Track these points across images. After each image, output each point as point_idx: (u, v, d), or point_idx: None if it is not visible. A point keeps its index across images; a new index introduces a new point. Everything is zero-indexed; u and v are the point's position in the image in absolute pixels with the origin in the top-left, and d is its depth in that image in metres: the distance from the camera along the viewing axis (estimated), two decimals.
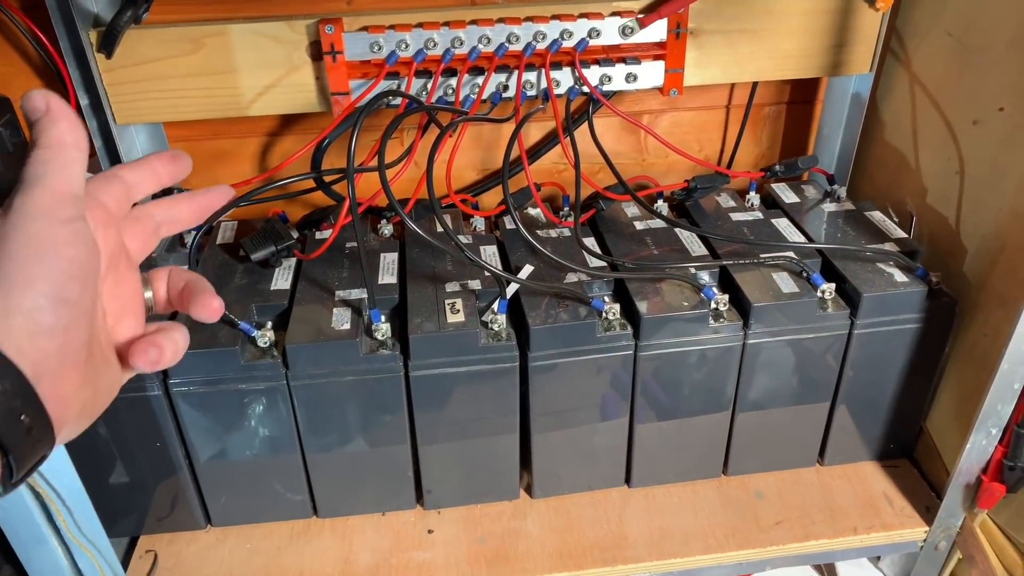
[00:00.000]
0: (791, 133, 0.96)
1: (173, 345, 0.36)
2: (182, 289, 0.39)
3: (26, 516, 0.57)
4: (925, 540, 0.76)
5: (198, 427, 0.68)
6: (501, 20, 0.72)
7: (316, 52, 0.73)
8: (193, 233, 0.74)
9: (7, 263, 0.31)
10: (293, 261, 0.76)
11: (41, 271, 0.31)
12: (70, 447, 0.56)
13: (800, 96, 0.93)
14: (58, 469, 0.56)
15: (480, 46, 0.72)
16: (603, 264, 0.74)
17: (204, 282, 0.38)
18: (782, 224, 0.81)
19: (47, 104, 0.33)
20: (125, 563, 0.73)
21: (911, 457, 0.82)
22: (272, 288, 0.72)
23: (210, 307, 0.37)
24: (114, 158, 0.77)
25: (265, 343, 0.66)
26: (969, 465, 0.70)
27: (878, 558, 0.85)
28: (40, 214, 0.32)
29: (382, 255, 0.77)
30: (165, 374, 0.65)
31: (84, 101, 0.75)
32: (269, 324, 0.67)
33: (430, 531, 0.76)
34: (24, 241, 0.31)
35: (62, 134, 0.33)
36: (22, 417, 0.30)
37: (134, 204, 0.38)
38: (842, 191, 0.86)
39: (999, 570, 0.75)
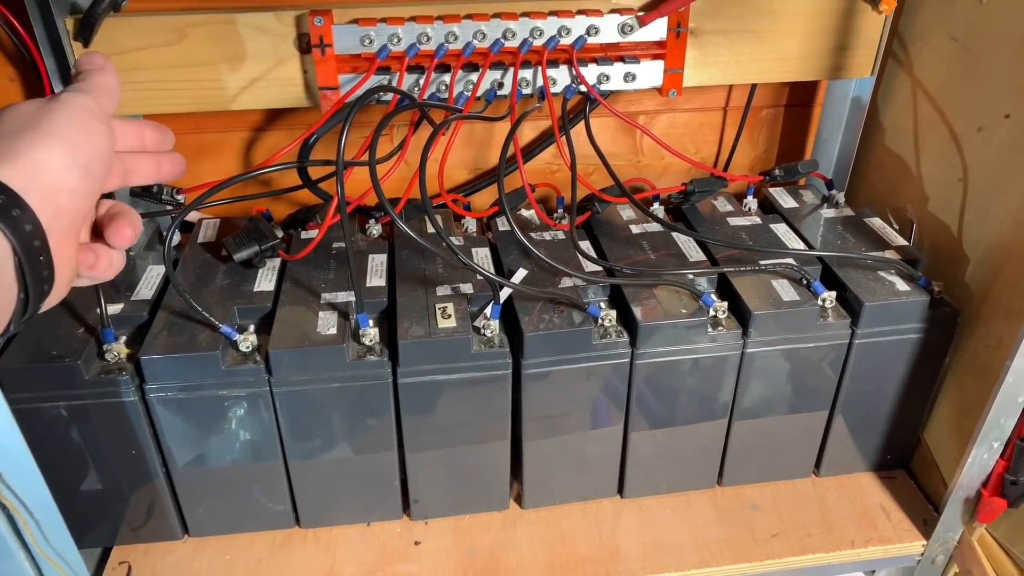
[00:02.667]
0: (788, 136, 0.95)
1: (108, 257, 0.39)
2: (105, 214, 0.40)
3: None
4: (923, 554, 0.75)
5: (176, 434, 0.65)
6: (497, 15, 0.70)
7: (304, 45, 0.70)
8: (169, 228, 0.71)
9: (52, 124, 0.35)
10: (277, 262, 0.73)
11: (83, 141, 0.36)
12: (40, 454, 0.53)
13: (798, 99, 0.92)
14: (25, 478, 0.53)
15: (475, 42, 0.70)
16: (599, 269, 0.72)
17: (128, 210, 0.41)
18: (781, 230, 0.79)
19: (105, 64, 0.41)
20: (97, 575, 0.70)
21: (908, 468, 0.81)
22: (255, 290, 0.69)
23: (121, 233, 0.39)
24: None
25: (247, 348, 0.63)
26: (970, 479, 0.69)
27: (872, 571, 0.83)
28: (87, 107, 0.37)
29: (370, 256, 0.74)
30: (142, 378, 0.62)
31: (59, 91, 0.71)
32: (252, 328, 0.65)
33: (417, 542, 0.73)
34: (73, 115, 0.36)
35: (110, 82, 0.40)
36: (40, 258, 0.33)
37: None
38: (840, 196, 0.84)
39: None
